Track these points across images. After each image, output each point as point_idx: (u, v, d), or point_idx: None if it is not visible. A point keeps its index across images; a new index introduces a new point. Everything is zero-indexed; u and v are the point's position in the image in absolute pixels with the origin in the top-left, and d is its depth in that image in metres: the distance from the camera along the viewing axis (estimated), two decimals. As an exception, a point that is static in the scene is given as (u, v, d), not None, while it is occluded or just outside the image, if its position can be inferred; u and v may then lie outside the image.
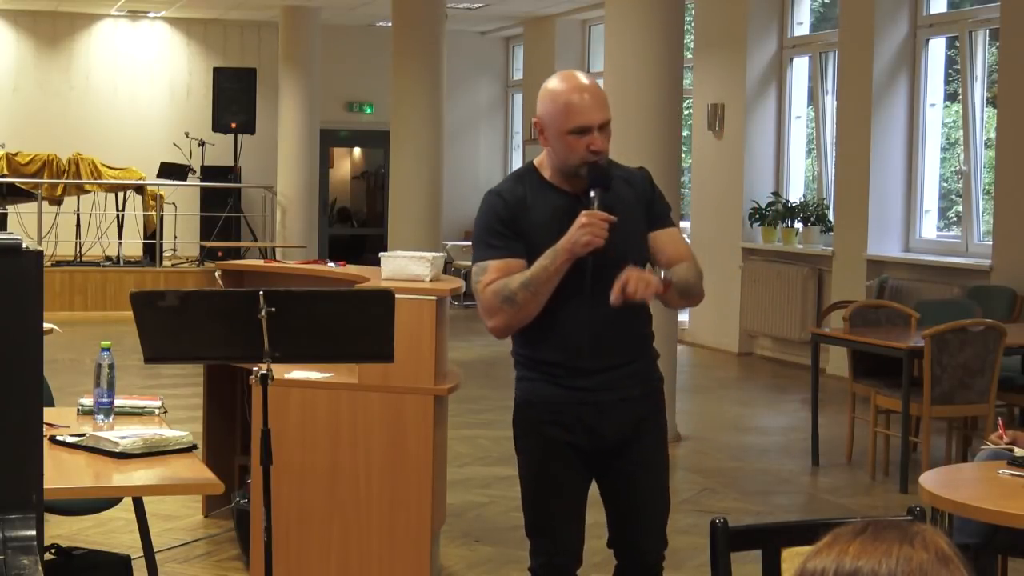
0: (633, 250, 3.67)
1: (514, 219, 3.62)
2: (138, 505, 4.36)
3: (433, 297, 4.96)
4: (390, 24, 13.59)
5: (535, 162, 3.74)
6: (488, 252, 3.63)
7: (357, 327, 3.94)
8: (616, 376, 3.69)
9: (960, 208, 10.76)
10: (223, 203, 16.21)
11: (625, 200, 3.66)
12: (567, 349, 3.65)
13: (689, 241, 12.89)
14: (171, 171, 15.92)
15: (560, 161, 3.63)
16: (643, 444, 3.76)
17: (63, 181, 14.84)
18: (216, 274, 6.50)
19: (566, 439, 3.70)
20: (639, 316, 3.73)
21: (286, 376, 4.93)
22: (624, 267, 3.54)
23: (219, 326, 3.90)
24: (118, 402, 4.44)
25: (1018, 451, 4.29)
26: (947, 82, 11.04)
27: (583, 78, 3.66)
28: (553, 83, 3.65)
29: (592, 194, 3.58)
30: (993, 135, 10.02)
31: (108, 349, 4.36)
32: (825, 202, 11.78)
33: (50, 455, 3.49)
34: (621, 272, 3.51)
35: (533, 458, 3.75)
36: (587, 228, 3.51)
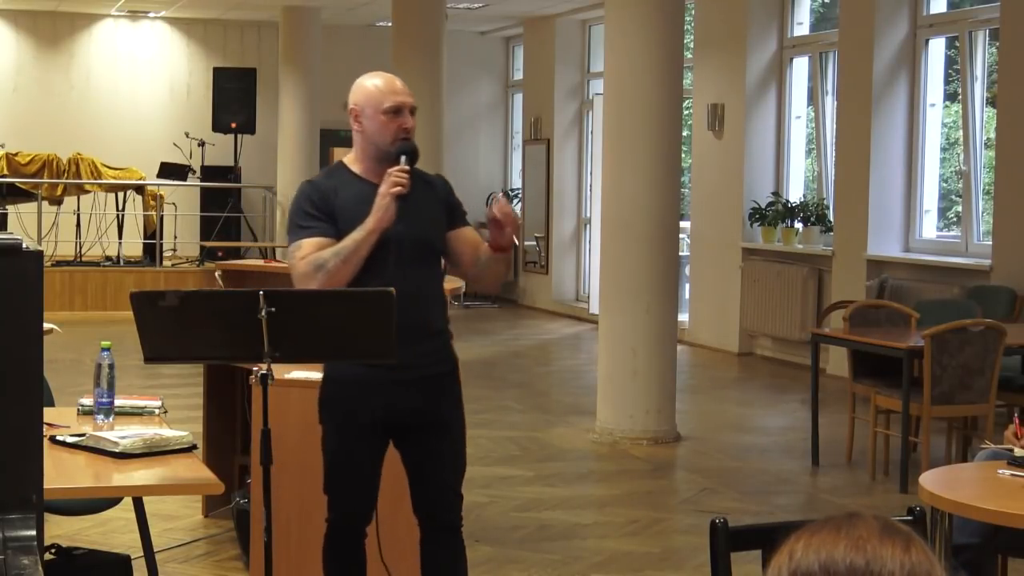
0: (435, 238, 4.07)
1: (324, 202, 3.97)
2: (138, 505, 4.36)
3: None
4: (390, 24, 13.60)
5: (344, 160, 4.11)
6: (300, 233, 3.98)
7: (357, 327, 3.93)
8: (417, 352, 3.98)
9: (960, 208, 10.76)
10: (223, 203, 16.21)
11: (428, 195, 4.04)
12: None
13: (688, 241, 12.95)
14: (171, 171, 15.92)
15: (373, 141, 3.99)
16: (440, 418, 4.06)
17: (63, 181, 14.84)
18: (216, 274, 6.51)
19: (366, 413, 3.99)
20: (439, 297, 4.10)
21: (286, 376, 4.93)
22: (427, 252, 4.02)
23: (219, 326, 3.89)
24: (118, 402, 4.44)
25: (1018, 451, 4.28)
26: (947, 82, 11.04)
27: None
28: (368, 77, 4.06)
29: (402, 159, 3.93)
30: (993, 135, 10.02)
31: (108, 349, 4.36)
32: (825, 202, 11.77)
33: (50, 455, 3.49)
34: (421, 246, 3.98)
35: (333, 432, 4.05)
36: (394, 176, 3.88)
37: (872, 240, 10.77)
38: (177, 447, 4.04)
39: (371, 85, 4.01)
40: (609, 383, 8.45)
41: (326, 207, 3.96)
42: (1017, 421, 4.48)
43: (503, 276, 4.32)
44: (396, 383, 3.98)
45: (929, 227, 10.90)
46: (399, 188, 3.88)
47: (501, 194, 4.03)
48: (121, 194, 15.50)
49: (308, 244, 3.95)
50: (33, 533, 2.67)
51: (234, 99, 16.44)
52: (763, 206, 12.04)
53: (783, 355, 11.88)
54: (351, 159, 4.09)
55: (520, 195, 16.84)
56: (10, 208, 14.86)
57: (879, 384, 7.44)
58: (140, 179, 15.41)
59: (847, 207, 11.07)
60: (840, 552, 1.45)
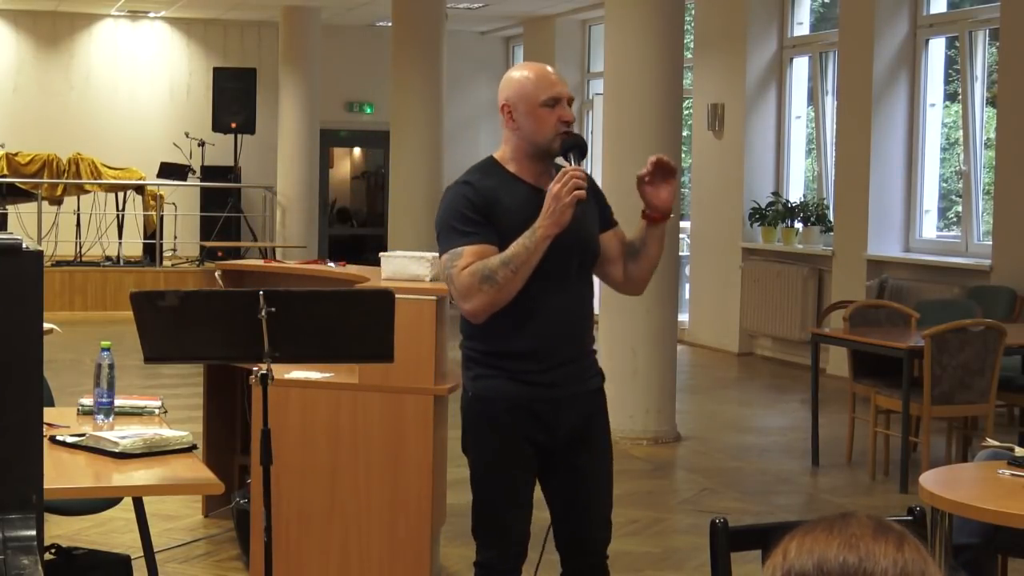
0: (596, 247, 3.76)
1: (486, 206, 3.57)
2: (138, 505, 4.36)
3: (433, 297, 4.96)
4: (390, 24, 13.60)
5: (495, 156, 3.72)
6: (461, 239, 3.56)
7: (357, 327, 3.93)
8: (576, 369, 3.72)
9: (960, 208, 10.76)
10: (223, 203, 16.22)
11: (587, 198, 3.63)
12: (541, 338, 3.62)
13: (688, 241, 12.96)
14: (171, 171, 15.92)
15: (530, 139, 3.64)
16: (593, 439, 3.77)
17: (63, 181, 14.84)
18: (216, 274, 6.50)
19: (524, 435, 3.65)
20: (591, 308, 3.82)
21: (286, 376, 4.93)
22: (590, 262, 3.72)
23: (219, 326, 3.90)
24: (118, 402, 4.43)
25: (1018, 451, 4.28)
26: (947, 82, 11.04)
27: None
28: (518, 69, 3.73)
29: (569, 155, 3.61)
30: (993, 135, 10.02)
31: (108, 349, 4.36)
32: (825, 202, 11.78)
33: (50, 455, 3.49)
34: (578, 257, 3.67)
35: (488, 456, 3.69)
36: (571, 178, 3.50)
37: (872, 240, 10.78)
38: (177, 447, 4.04)
39: (522, 77, 3.64)
40: (609, 383, 8.36)
41: (487, 210, 3.57)
42: None
43: (657, 262, 3.90)
44: (553, 402, 3.65)
45: (929, 227, 10.90)
46: (579, 193, 3.49)
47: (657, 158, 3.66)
48: (121, 194, 15.50)
49: (470, 252, 3.53)
50: (33, 533, 2.67)
51: (234, 99, 16.44)
52: (763, 206, 12.04)
53: (783, 355, 11.88)
54: (503, 157, 3.69)
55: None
56: (10, 208, 14.86)
57: (879, 384, 7.44)
58: (140, 179, 15.41)
59: (847, 207, 11.07)
60: (833, 551, 1.45)
